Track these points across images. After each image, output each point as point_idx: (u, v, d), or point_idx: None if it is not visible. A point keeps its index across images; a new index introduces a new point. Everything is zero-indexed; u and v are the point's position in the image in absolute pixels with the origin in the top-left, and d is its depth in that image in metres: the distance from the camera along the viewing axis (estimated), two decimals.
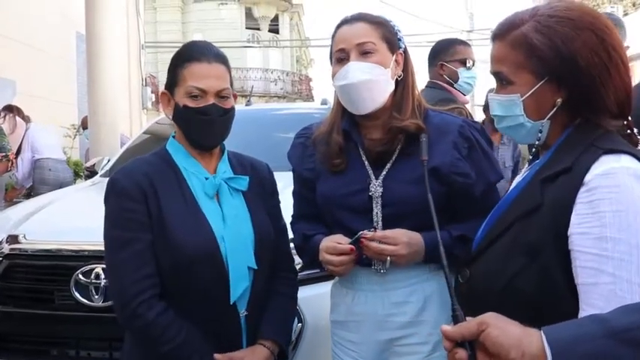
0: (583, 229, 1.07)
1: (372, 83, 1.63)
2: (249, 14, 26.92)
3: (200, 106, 1.60)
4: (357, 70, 1.62)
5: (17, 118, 6.26)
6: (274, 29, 27.96)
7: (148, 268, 1.54)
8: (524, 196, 1.22)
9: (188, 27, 25.98)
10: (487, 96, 4.07)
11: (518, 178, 1.36)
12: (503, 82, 1.27)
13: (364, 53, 1.63)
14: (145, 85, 14.04)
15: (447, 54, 3.05)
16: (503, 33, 1.26)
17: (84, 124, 8.47)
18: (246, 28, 26.93)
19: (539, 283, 1.12)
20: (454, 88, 3.03)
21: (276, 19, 27.73)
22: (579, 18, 1.19)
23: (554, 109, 1.23)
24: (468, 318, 1.05)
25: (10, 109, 6.34)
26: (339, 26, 1.70)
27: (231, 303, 1.58)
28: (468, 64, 3.06)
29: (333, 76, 1.68)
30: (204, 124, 1.61)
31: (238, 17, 26.55)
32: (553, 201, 1.13)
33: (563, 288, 1.10)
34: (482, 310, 1.10)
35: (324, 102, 4.61)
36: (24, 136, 6.36)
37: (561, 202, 1.11)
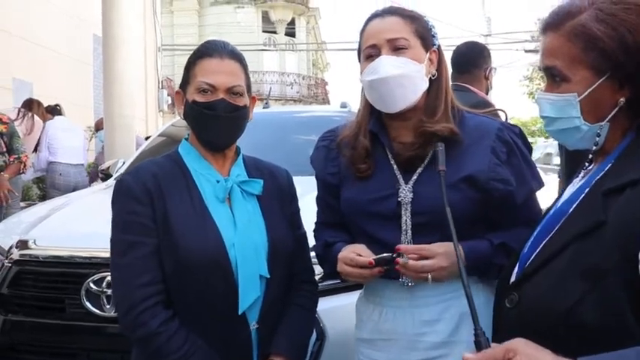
0: None
1: (405, 78, 1.51)
2: (265, 18, 26.91)
3: (208, 101, 1.53)
4: (388, 64, 1.51)
5: (35, 117, 6.22)
6: (291, 33, 27.92)
7: (153, 274, 1.46)
8: (583, 210, 1.08)
9: (205, 30, 26.01)
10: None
11: (570, 189, 1.22)
12: (556, 78, 1.13)
13: (397, 49, 1.52)
14: (162, 88, 14.06)
15: (490, 60, 2.98)
16: (557, 23, 1.12)
17: (97, 126, 8.46)
18: (263, 31, 26.93)
19: (602, 312, 0.97)
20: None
21: (292, 22, 27.69)
22: None
23: (616, 109, 1.09)
24: (492, 344, 0.97)
25: (30, 106, 6.31)
26: (369, 20, 1.59)
27: (240, 313, 1.49)
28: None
29: (362, 72, 1.57)
30: (210, 120, 1.54)
31: (255, 21, 26.55)
32: (619, 218, 0.99)
33: (630, 319, 0.95)
34: (533, 340, 0.99)
35: (343, 105, 4.52)
36: (41, 134, 6.34)
37: (630, 220, 0.97)
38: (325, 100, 27.86)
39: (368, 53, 1.55)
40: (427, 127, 1.53)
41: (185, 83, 1.60)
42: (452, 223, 1.27)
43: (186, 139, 1.65)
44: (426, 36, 1.57)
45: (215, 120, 1.54)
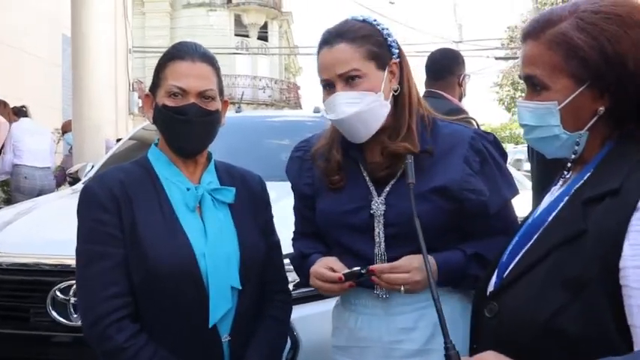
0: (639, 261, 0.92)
1: (363, 114, 1.49)
2: (238, 21, 26.84)
3: (179, 105, 1.48)
4: (343, 102, 1.48)
5: (1, 118, 6.07)
6: (263, 36, 27.90)
7: (119, 286, 1.41)
8: (563, 219, 1.07)
9: (176, 32, 25.81)
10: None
11: (548, 198, 1.22)
12: (536, 87, 1.13)
13: (349, 80, 1.49)
14: (132, 90, 13.86)
15: (464, 67, 3.00)
16: (537, 31, 1.12)
17: (64, 129, 8.30)
18: (235, 35, 26.86)
19: (583, 322, 0.96)
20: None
21: (265, 26, 27.67)
22: (629, 14, 1.05)
23: (595, 118, 1.09)
24: (463, 358, 1.00)
25: None
26: (320, 47, 1.55)
27: (211, 326, 1.45)
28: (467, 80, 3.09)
29: (324, 101, 1.55)
30: (181, 125, 1.49)
31: (227, 24, 26.47)
32: (600, 227, 0.98)
33: (611, 329, 0.95)
34: (513, 350, 1.00)
35: (316, 110, 4.51)
36: (7, 136, 6.18)
37: (610, 230, 0.96)
38: (297, 105, 27.89)
39: (324, 85, 1.54)
40: (389, 149, 1.52)
41: (155, 86, 1.55)
42: (421, 237, 1.27)
43: (156, 145, 1.59)
44: (380, 54, 1.52)
45: (186, 125, 1.49)
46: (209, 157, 1.63)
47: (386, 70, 1.52)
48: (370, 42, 1.51)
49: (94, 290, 1.40)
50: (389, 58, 1.54)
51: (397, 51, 1.56)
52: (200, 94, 1.49)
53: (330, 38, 1.52)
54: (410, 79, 1.59)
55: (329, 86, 1.52)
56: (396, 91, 1.55)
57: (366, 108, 1.48)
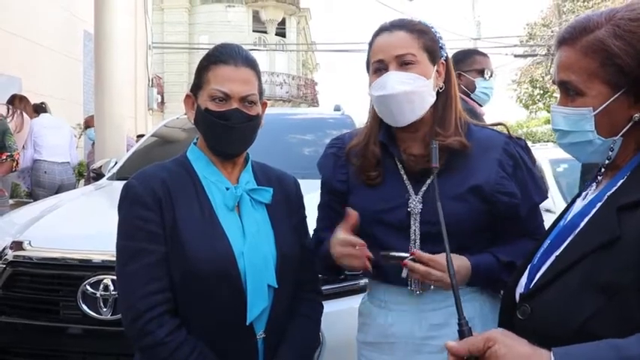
0: None
1: (413, 94, 1.53)
2: (256, 17, 26.86)
3: (222, 110, 1.50)
4: (396, 80, 1.52)
5: (24, 114, 6.15)
6: (281, 33, 27.90)
7: (160, 282, 1.43)
8: (597, 225, 1.08)
9: (195, 29, 25.91)
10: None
11: (580, 202, 1.23)
12: (570, 92, 1.14)
13: (404, 64, 1.54)
14: (151, 86, 13.95)
15: (464, 64, 3.01)
16: (573, 37, 1.13)
17: (87, 124, 8.38)
18: (253, 31, 26.87)
19: (617, 327, 0.97)
20: (470, 98, 2.97)
21: (283, 22, 27.66)
22: None
23: (630, 124, 1.10)
24: (474, 333, 1.02)
25: (13, 102, 6.22)
26: (377, 34, 1.60)
27: (248, 324, 1.47)
28: (485, 75, 3.04)
29: (370, 85, 1.59)
30: (224, 130, 1.51)
31: (245, 20, 26.49)
32: (634, 235, 0.99)
33: None
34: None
35: (337, 108, 4.53)
36: (28, 132, 6.26)
37: None
38: (314, 101, 27.88)
39: (376, 67, 1.57)
40: (439, 140, 1.53)
41: (197, 87, 1.56)
42: (443, 225, 1.30)
43: (195, 144, 1.62)
44: (433, 49, 1.58)
45: (228, 130, 1.51)
46: (247, 158, 1.65)
47: (435, 67, 1.58)
48: (426, 37, 1.58)
49: (135, 286, 1.42)
50: (439, 57, 1.60)
51: (445, 54, 1.62)
52: (243, 98, 1.51)
53: (391, 26, 1.59)
54: (454, 81, 1.65)
55: (381, 69, 1.56)
56: (441, 89, 1.60)
57: (416, 89, 1.53)
